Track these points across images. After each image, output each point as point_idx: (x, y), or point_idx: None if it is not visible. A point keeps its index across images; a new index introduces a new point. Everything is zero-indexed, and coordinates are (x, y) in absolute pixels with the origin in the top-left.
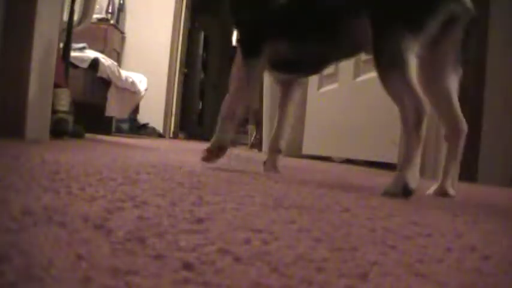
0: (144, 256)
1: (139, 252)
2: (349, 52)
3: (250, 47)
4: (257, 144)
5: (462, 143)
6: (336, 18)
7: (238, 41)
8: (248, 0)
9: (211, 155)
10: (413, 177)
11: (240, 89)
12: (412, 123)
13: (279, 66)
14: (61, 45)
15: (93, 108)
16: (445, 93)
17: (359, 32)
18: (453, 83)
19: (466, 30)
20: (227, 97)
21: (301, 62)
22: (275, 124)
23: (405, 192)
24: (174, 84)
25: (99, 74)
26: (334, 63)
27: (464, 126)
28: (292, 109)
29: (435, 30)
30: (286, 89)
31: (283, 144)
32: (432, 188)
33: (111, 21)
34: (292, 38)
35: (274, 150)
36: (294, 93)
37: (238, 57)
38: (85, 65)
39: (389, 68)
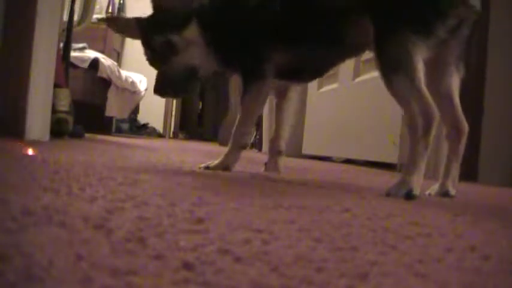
0: (144, 256)
1: (139, 252)
2: (352, 53)
3: (255, 70)
4: (257, 144)
5: (463, 142)
6: (337, 20)
7: (240, 66)
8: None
9: (213, 171)
10: (417, 183)
11: (251, 113)
12: (420, 129)
13: (282, 75)
14: (61, 45)
15: (93, 108)
16: (447, 93)
17: (362, 32)
18: (455, 82)
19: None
20: (239, 123)
21: (305, 69)
22: (273, 125)
23: (408, 197)
24: None
25: (99, 74)
26: (337, 65)
27: (465, 126)
28: (290, 108)
29: (445, 34)
30: (282, 90)
31: (283, 144)
32: (432, 188)
33: None
34: (295, 48)
35: (275, 151)
36: (291, 92)
37: (244, 82)
38: (85, 65)
39: (395, 70)
